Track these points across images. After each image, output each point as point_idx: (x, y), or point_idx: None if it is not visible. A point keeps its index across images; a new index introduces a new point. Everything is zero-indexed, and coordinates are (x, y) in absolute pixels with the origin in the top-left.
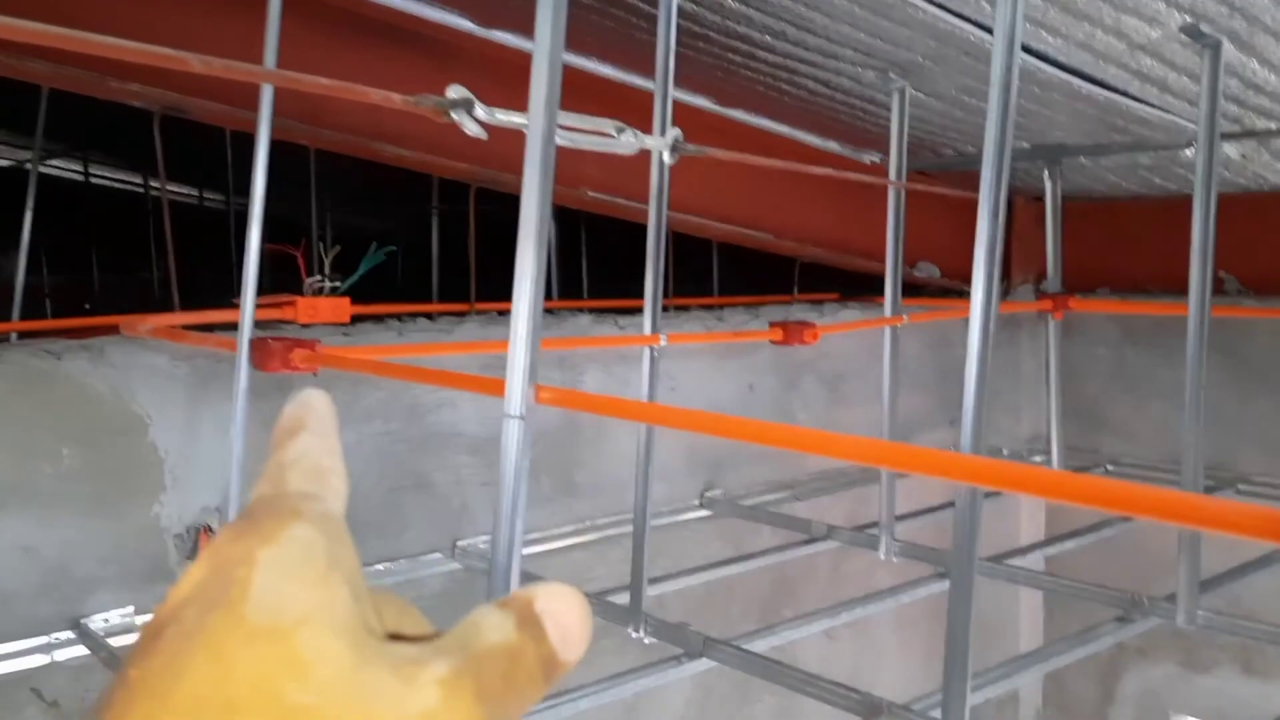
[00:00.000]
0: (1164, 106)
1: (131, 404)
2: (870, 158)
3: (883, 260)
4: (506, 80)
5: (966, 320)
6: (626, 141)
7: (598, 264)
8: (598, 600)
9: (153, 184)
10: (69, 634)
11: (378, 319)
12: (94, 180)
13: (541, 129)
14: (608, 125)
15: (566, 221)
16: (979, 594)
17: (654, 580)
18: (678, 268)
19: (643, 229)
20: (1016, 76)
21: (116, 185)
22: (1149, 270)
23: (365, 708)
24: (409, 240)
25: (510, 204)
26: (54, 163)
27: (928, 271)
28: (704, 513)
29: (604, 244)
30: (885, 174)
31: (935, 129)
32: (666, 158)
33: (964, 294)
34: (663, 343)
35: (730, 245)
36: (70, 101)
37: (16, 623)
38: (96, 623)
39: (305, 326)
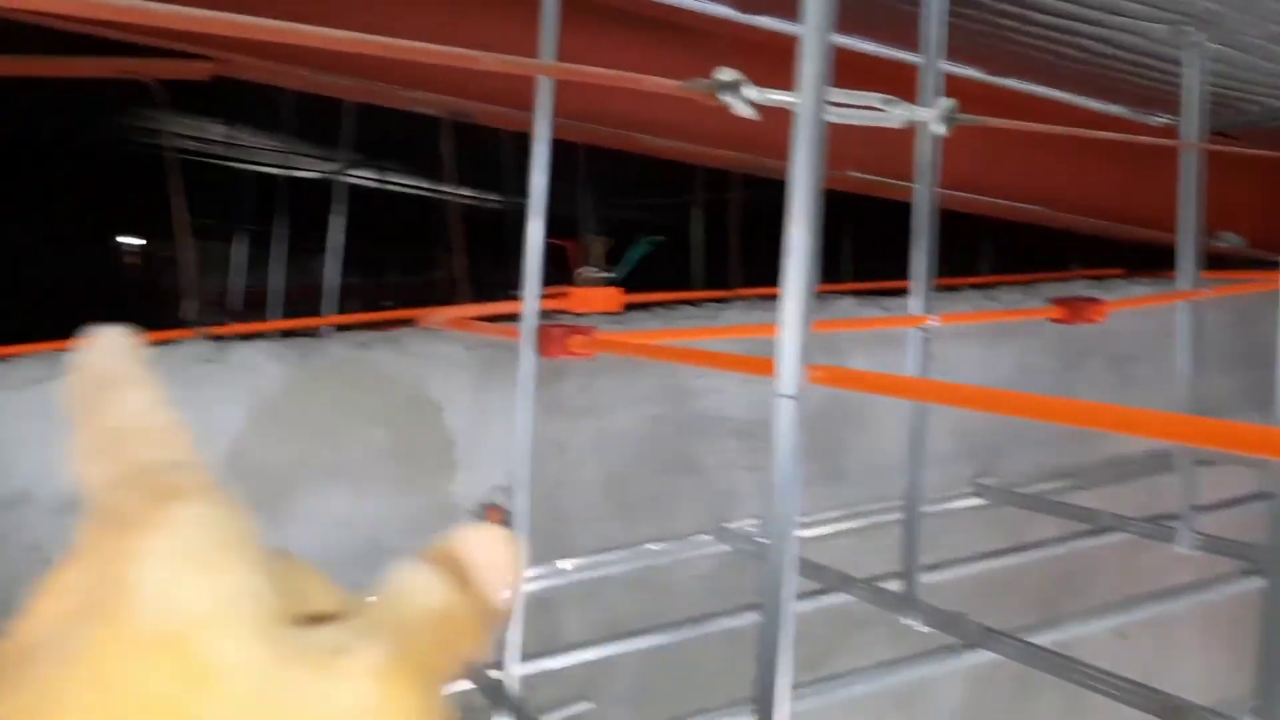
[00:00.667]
0: None
1: (428, 390)
2: (1159, 120)
3: (1173, 230)
4: (765, 64)
5: (1276, 294)
6: (896, 115)
7: (859, 246)
8: (868, 587)
9: (439, 187)
10: None
11: (645, 307)
12: (390, 187)
13: (811, 106)
14: (875, 99)
15: (828, 204)
16: None
17: (927, 568)
18: (943, 246)
19: (905, 208)
20: None
21: (408, 191)
22: None
23: (289, 713)
24: (670, 230)
25: (772, 189)
26: (354, 172)
27: (1230, 241)
28: (976, 500)
29: (866, 225)
30: (1177, 136)
31: (1236, 84)
32: (940, 129)
33: (1274, 264)
34: (933, 323)
35: (999, 221)
36: (366, 115)
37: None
38: None
39: (579, 315)
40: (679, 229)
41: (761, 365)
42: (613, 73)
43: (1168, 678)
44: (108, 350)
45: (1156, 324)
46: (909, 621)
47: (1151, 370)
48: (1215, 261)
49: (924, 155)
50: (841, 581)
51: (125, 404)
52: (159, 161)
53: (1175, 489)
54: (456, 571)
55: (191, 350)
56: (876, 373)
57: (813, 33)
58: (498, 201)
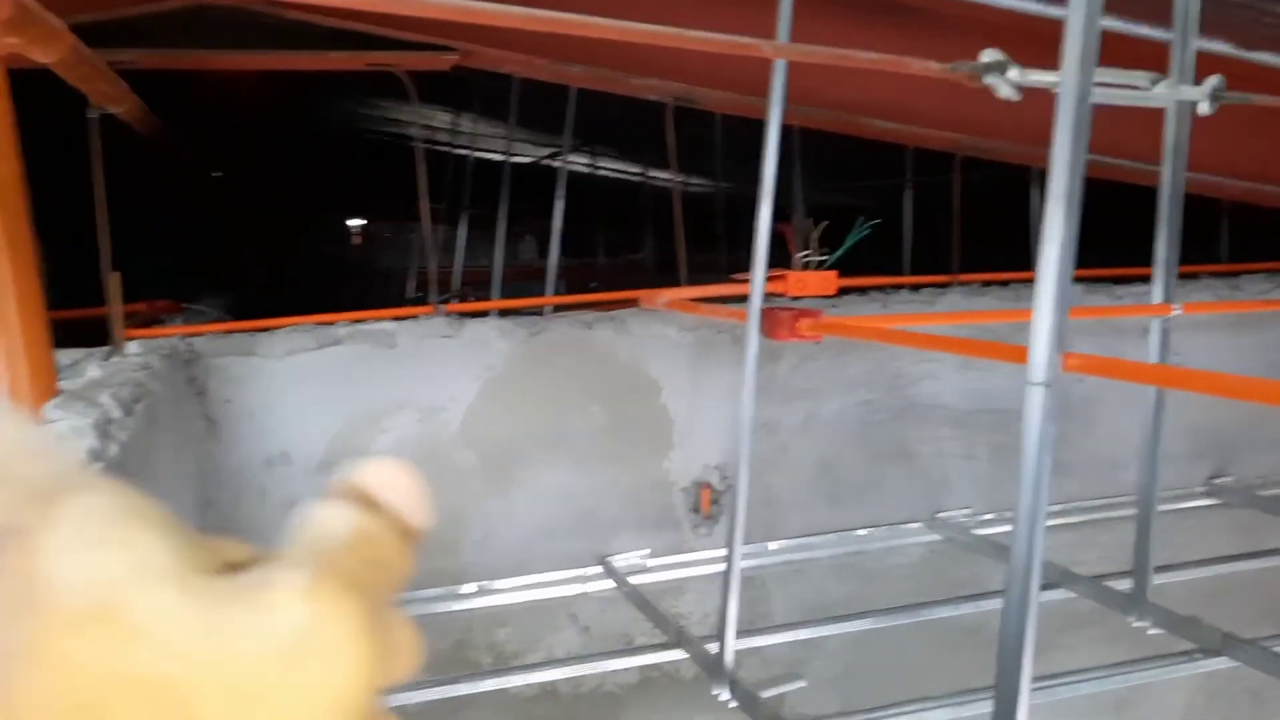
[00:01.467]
0: None
1: (647, 369)
2: None
3: None
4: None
5: None
6: (1160, 94)
7: (1082, 233)
8: (1095, 584)
9: (652, 173)
10: (597, 569)
11: (861, 291)
12: (600, 172)
13: (1076, 86)
14: (1140, 78)
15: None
16: None
17: (1158, 569)
18: (1185, 232)
19: (1135, 192)
20: None
21: (616, 175)
22: None
23: (232, 652)
24: (883, 213)
25: (994, 171)
26: (573, 158)
27: None
28: (1210, 500)
29: (1091, 210)
30: None
31: None
32: (1206, 109)
33: None
34: (1176, 312)
35: (1243, 205)
36: (588, 102)
37: (557, 555)
38: (619, 561)
39: (795, 299)
40: (892, 212)
41: (1014, 352)
42: (878, 56)
43: None
44: None
45: None
46: (1140, 623)
47: None
48: None
49: (1173, 136)
50: (1064, 577)
51: None
52: (401, 150)
53: None
54: (365, 500)
55: (430, 325)
56: (1132, 361)
57: (1079, 11)
58: (707, 186)
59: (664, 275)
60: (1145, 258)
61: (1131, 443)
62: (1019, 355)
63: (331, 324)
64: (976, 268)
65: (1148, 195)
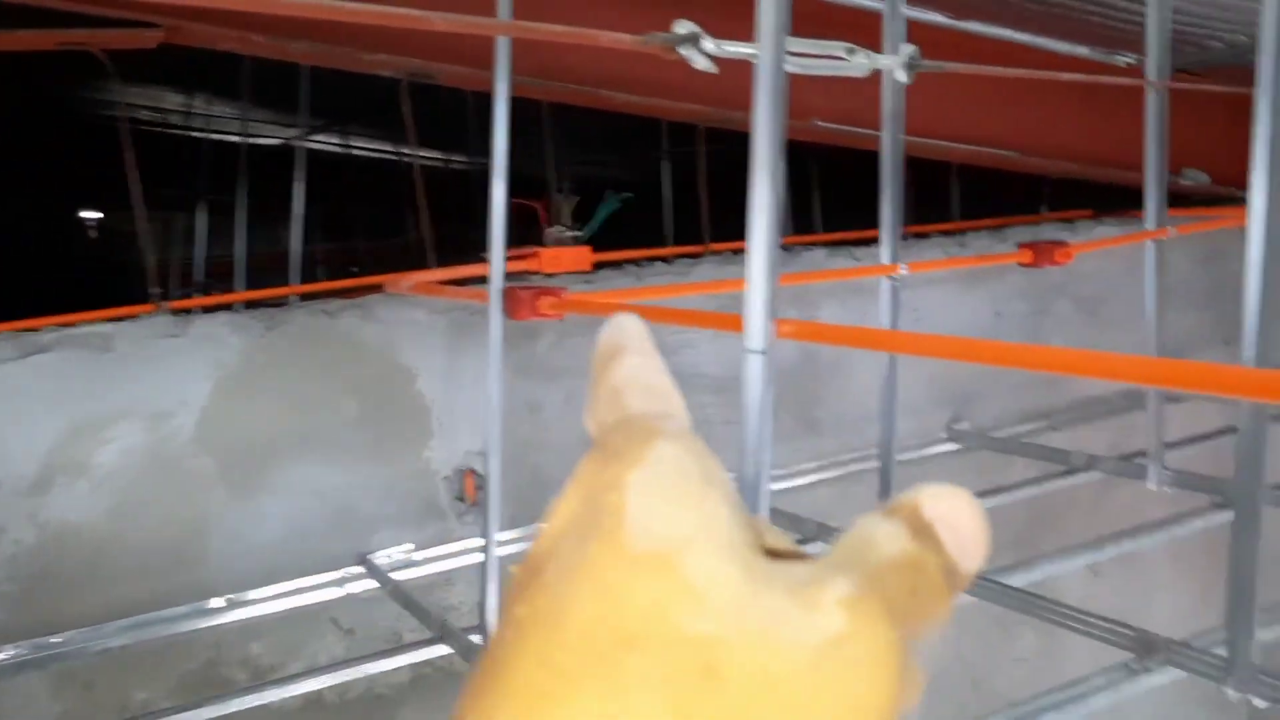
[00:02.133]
0: None
1: (399, 356)
2: (1125, 60)
3: (1141, 170)
4: (726, 15)
5: (1242, 230)
6: (858, 63)
7: (830, 197)
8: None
9: (404, 150)
10: (358, 569)
11: (617, 265)
12: (354, 152)
13: (771, 57)
14: (838, 48)
15: (796, 156)
16: (1267, 524)
17: None
18: (914, 195)
19: (876, 158)
20: None
21: (374, 155)
22: None
23: (767, 636)
24: (641, 186)
25: (740, 142)
26: (318, 138)
27: (1195, 179)
28: (952, 446)
29: (836, 176)
30: (1142, 76)
31: (1199, 20)
32: (902, 77)
33: (1239, 201)
34: (902, 271)
35: (970, 168)
36: (329, 79)
37: (312, 558)
38: (381, 558)
39: (550, 276)
40: (651, 185)
41: (731, 322)
42: (567, 29)
43: (1141, 612)
44: (620, 326)
45: (1125, 264)
46: None
47: (1121, 310)
48: (1181, 200)
49: (889, 103)
50: (819, 531)
51: (628, 366)
52: (115, 133)
53: (1146, 427)
54: (921, 528)
55: (152, 325)
56: (843, 325)
57: None
58: (465, 163)
59: (438, 256)
60: (913, 219)
61: (879, 398)
62: (735, 324)
63: (37, 330)
64: (735, 236)
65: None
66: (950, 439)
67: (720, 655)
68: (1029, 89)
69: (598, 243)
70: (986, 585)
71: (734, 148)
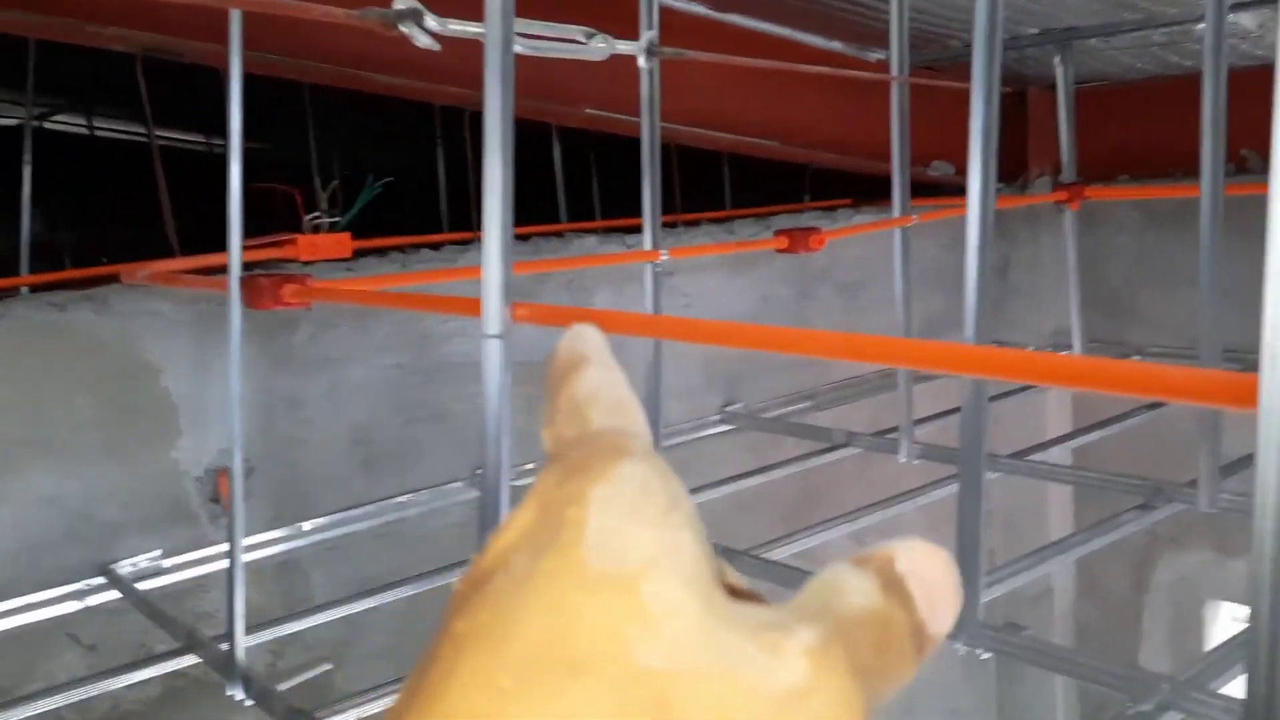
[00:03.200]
0: None
1: (141, 352)
2: (877, 55)
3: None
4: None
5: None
6: (596, 48)
7: (608, 184)
8: None
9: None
10: (100, 580)
11: (381, 252)
12: (99, 133)
13: (499, 36)
14: (576, 31)
15: (573, 142)
16: (1006, 491)
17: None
18: (688, 183)
19: (665, 150)
20: None
21: (121, 136)
22: (1169, 153)
23: (725, 677)
24: (416, 171)
25: (521, 126)
26: (59, 118)
27: (942, 170)
28: (725, 427)
29: (614, 163)
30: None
31: (940, 20)
32: (642, 62)
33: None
34: (663, 258)
35: (742, 157)
36: (67, 55)
37: (46, 571)
38: (125, 568)
39: (308, 264)
40: (425, 170)
41: (469, 305)
42: (274, 1)
43: None
44: (579, 336)
45: (882, 250)
46: None
47: (879, 294)
48: (931, 189)
49: (645, 90)
50: None
51: (591, 379)
52: None
53: (898, 404)
54: (892, 582)
55: None
56: (583, 309)
57: None
58: (222, 146)
59: (190, 244)
60: (687, 207)
61: (665, 379)
62: (474, 309)
63: None
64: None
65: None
66: (723, 420)
67: (673, 691)
68: (791, 82)
69: (364, 230)
70: (750, 560)
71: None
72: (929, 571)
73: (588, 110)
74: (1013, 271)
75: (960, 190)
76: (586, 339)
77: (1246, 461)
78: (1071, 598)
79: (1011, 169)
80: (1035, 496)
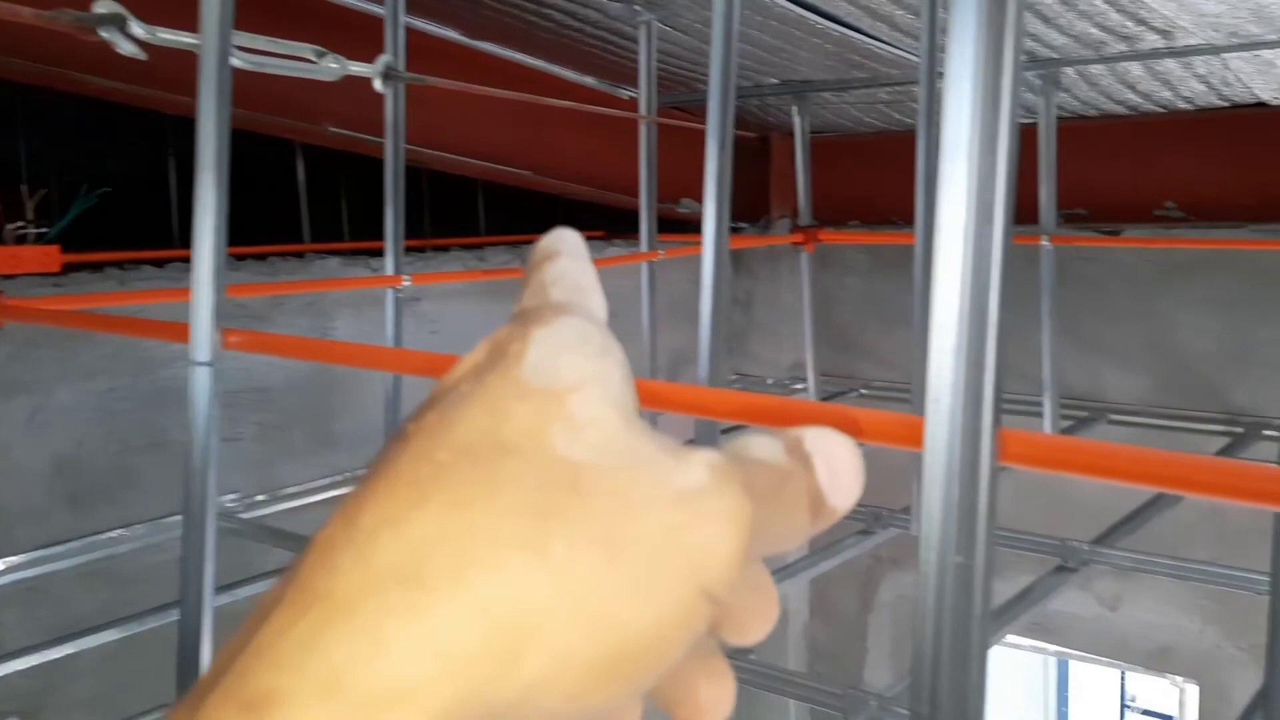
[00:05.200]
0: (894, 43)
1: None
2: (629, 93)
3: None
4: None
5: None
6: (328, 68)
7: (358, 205)
8: None
9: None
10: None
11: (95, 267)
12: None
13: (215, 48)
14: (306, 49)
15: (320, 159)
16: None
17: None
18: (440, 207)
19: (408, 168)
20: (738, 8)
21: None
22: (895, 202)
23: (634, 471)
24: (146, 182)
25: (259, 141)
26: None
27: (691, 207)
28: None
29: (365, 183)
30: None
31: (688, 64)
32: (379, 85)
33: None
34: (405, 283)
35: (498, 185)
36: None
37: None
38: None
39: (9, 277)
40: (156, 182)
41: (177, 330)
42: None
43: None
44: (559, 235)
45: (634, 283)
46: None
47: (631, 325)
48: (682, 225)
49: (390, 112)
50: None
51: (559, 266)
52: None
53: None
54: (799, 454)
55: None
56: (294, 337)
57: None
58: None
59: None
60: (435, 231)
61: (407, 407)
62: (182, 334)
63: None
64: (246, 239)
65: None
66: None
67: (587, 478)
68: (545, 114)
69: (80, 243)
70: None
71: (256, 146)
72: (834, 450)
73: (331, 129)
74: (756, 307)
75: None
76: (565, 237)
77: None
78: (805, 619)
79: (755, 210)
80: None
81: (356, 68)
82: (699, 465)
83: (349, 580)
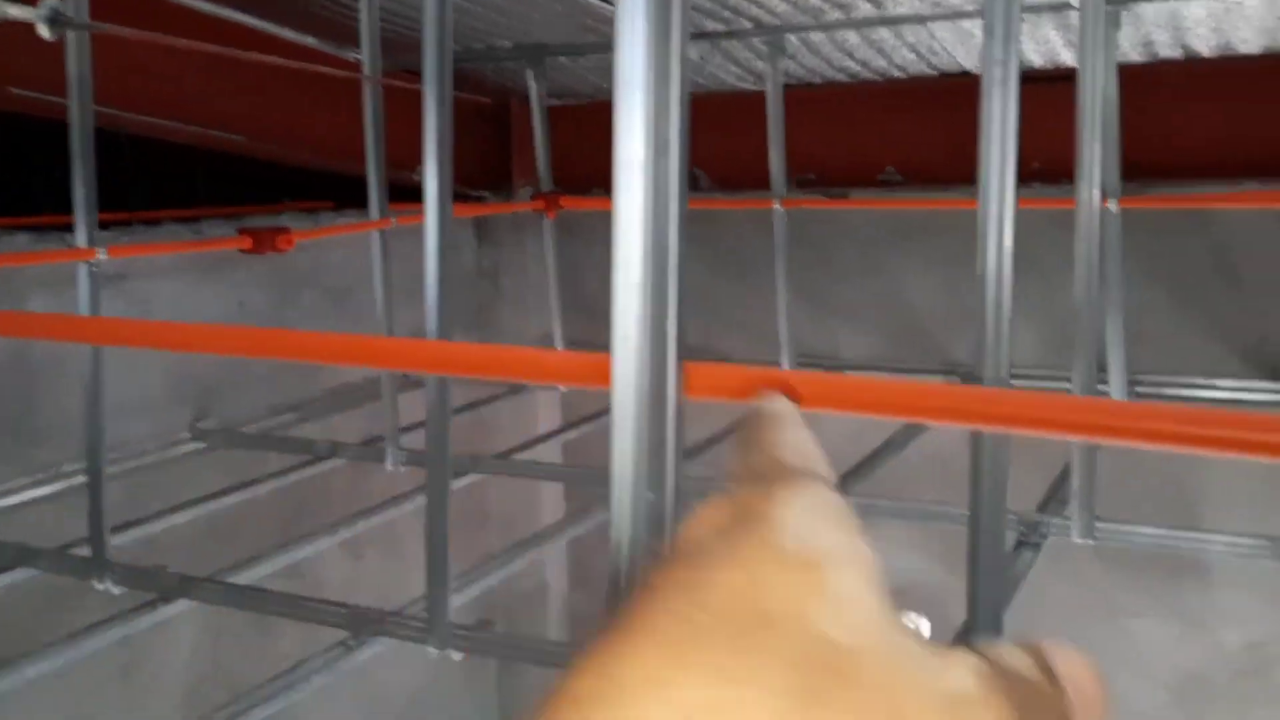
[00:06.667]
0: None
1: None
2: (355, 55)
3: (389, 167)
4: None
5: (471, 222)
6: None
7: (54, 176)
8: (56, 555)
9: None
10: None
11: None
12: None
13: None
14: None
15: (4, 125)
16: (502, 492)
17: (130, 524)
18: (152, 178)
19: (111, 135)
20: None
21: None
22: None
23: (898, 666)
24: None
25: None
26: None
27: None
28: (197, 445)
29: (62, 152)
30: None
31: (416, 25)
32: (45, 33)
33: (467, 197)
34: (100, 256)
35: (218, 154)
36: None
37: None
38: None
39: None
40: None
41: None
42: None
43: (399, 591)
44: (776, 402)
45: (369, 256)
46: (103, 586)
47: (366, 300)
48: (418, 194)
49: (72, 66)
50: (23, 555)
51: (785, 431)
52: None
53: (384, 412)
54: (1050, 674)
55: None
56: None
57: None
58: None
59: None
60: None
61: (114, 396)
62: None
63: None
64: None
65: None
66: (195, 438)
67: (851, 664)
68: (264, 75)
69: None
70: (212, 587)
71: None
72: (1083, 680)
73: (16, 91)
74: (502, 278)
75: (458, 196)
76: (784, 404)
77: (706, 445)
78: (565, 590)
79: (498, 178)
80: (529, 495)
81: (16, 11)
82: (967, 670)
83: None
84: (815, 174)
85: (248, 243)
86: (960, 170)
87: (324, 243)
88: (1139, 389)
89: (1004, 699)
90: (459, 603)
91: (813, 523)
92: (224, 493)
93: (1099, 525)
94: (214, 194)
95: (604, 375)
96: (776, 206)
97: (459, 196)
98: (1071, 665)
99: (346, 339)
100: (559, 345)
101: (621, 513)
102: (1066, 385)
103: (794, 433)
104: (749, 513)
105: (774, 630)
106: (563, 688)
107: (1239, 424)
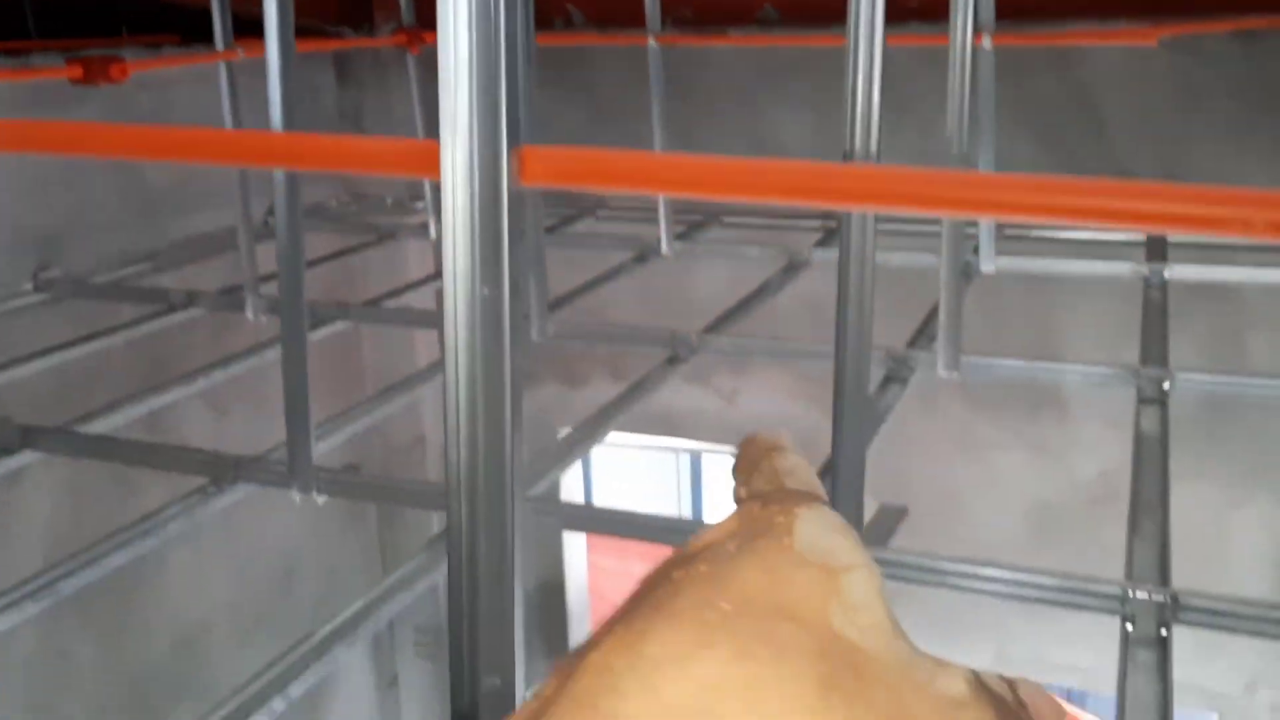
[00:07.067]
0: None
1: None
2: None
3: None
4: None
5: (331, 64)
6: None
7: None
8: None
9: None
10: None
11: None
12: None
13: None
14: None
15: None
16: (376, 343)
17: None
18: None
19: None
20: None
21: None
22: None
23: (903, 669)
24: None
25: None
26: None
27: None
28: (40, 297)
29: None
30: None
31: None
32: None
33: (325, 33)
34: None
35: None
36: None
37: None
38: None
39: None
40: None
41: None
42: None
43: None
44: (780, 434)
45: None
46: None
47: None
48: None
49: None
50: None
51: (787, 458)
52: None
53: (242, 261)
54: (1016, 698)
55: None
56: None
57: None
58: None
59: None
60: None
61: None
62: None
63: None
64: None
65: None
66: (38, 289)
67: (864, 662)
68: None
69: None
70: (59, 438)
71: None
72: (1045, 708)
73: None
74: (366, 120)
75: (306, 30)
76: (785, 435)
77: (572, 295)
78: (441, 441)
79: (358, 14)
80: (405, 347)
81: None
82: (960, 678)
83: (637, 706)
84: (691, 12)
85: (78, 72)
86: (837, 10)
87: (168, 79)
88: (1007, 231)
89: (990, 707)
90: (326, 449)
91: (828, 536)
92: (72, 343)
93: (964, 359)
94: (46, 28)
95: (432, 165)
96: (652, 43)
97: (316, 32)
98: (1037, 697)
99: (173, 131)
100: (429, 191)
101: (455, 310)
102: (938, 229)
103: (793, 459)
104: (767, 525)
105: (794, 623)
106: (593, 660)
107: (1096, 192)
